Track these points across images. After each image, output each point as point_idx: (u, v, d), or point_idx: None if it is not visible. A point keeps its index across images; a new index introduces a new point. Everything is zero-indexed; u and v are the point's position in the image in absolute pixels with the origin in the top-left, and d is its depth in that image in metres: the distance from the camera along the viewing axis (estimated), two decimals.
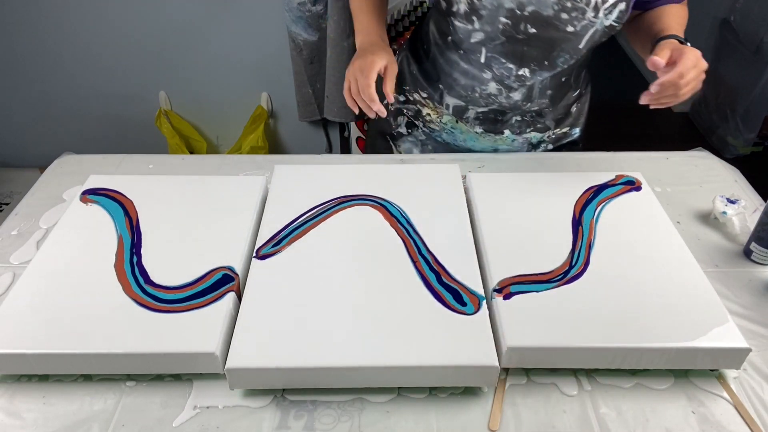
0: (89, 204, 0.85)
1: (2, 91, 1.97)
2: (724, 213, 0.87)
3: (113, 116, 2.02)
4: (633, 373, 0.68)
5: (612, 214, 0.83)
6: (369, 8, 0.93)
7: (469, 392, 0.66)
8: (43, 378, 0.67)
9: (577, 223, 0.81)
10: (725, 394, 0.66)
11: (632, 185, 0.89)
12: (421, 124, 1.04)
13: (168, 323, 0.66)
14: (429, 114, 1.02)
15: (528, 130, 1.00)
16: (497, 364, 0.62)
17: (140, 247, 0.77)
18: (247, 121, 1.98)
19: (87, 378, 0.67)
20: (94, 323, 0.66)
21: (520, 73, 0.88)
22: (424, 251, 0.76)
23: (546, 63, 0.87)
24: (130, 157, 1.04)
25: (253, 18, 1.79)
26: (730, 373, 0.68)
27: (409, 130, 1.07)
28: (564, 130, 1.04)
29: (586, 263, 0.75)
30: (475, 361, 0.62)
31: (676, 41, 0.81)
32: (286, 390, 0.66)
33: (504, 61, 0.88)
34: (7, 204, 2.07)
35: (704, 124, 2.69)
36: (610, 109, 2.82)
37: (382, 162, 1.00)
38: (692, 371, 0.68)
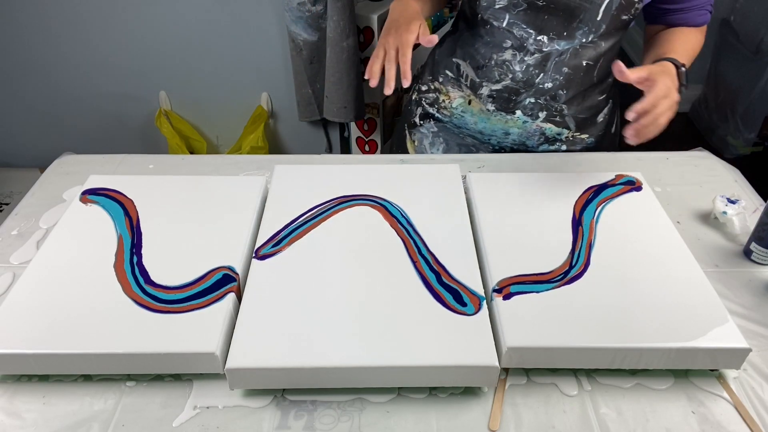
0: (89, 204, 0.85)
1: (2, 91, 1.97)
2: (724, 213, 0.87)
3: (113, 116, 2.02)
4: (633, 373, 0.68)
5: (612, 214, 0.83)
6: None
7: (469, 392, 0.66)
8: (43, 378, 0.67)
9: (577, 223, 0.81)
10: (725, 394, 0.66)
11: (632, 185, 0.89)
12: (434, 112, 1.07)
13: (168, 323, 0.66)
14: (444, 100, 1.05)
15: (541, 115, 0.99)
16: (497, 364, 0.62)
17: (140, 247, 0.77)
18: (247, 121, 1.98)
19: (87, 378, 0.67)
20: (94, 323, 0.66)
21: (538, 38, 0.92)
22: (424, 251, 0.76)
23: (565, 34, 0.91)
24: (130, 157, 1.04)
25: (253, 18, 1.79)
26: (730, 373, 0.68)
27: (422, 122, 1.10)
28: (584, 136, 1.04)
29: (587, 263, 0.75)
30: (475, 361, 0.62)
31: (670, 64, 0.84)
32: (286, 390, 0.66)
33: (525, 26, 0.92)
34: (7, 204, 2.07)
35: (704, 124, 2.69)
36: None
37: (382, 162, 1.00)
38: (692, 371, 0.68)
